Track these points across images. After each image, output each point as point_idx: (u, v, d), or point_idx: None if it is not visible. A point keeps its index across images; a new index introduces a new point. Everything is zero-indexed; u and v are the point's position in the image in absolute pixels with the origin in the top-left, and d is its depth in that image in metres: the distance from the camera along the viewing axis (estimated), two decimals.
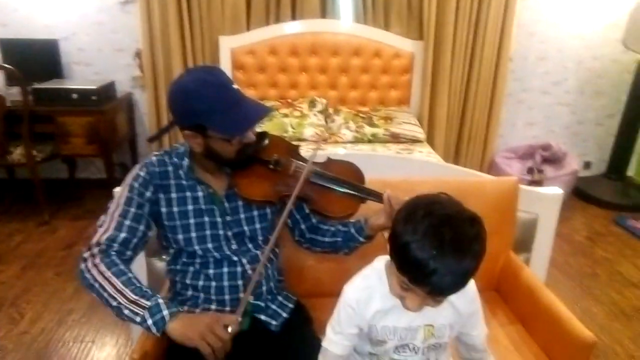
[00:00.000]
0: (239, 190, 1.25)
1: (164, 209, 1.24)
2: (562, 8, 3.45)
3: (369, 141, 3.07)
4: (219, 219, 1.27)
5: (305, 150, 1.47)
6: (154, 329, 1.07)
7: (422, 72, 3.35)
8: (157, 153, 1.30)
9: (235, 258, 1.27)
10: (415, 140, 3.11)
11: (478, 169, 3.63)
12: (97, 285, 1.12)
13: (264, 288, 1.30)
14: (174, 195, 1.25)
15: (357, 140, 3.07)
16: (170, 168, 1.26)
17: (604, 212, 3.42)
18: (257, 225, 1.31)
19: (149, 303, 1.08)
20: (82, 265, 1.15)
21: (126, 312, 1.08)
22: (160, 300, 1.10)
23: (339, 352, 1.01)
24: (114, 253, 1.17)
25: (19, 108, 2.82)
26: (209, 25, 3.17)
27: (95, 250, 1.16)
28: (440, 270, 0.81)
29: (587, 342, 1.20)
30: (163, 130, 1.35)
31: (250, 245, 1.30)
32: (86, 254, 1.17)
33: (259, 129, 1.27)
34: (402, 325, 0.98)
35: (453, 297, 0.98)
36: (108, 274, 1.12)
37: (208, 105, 1.12)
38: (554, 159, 3.43)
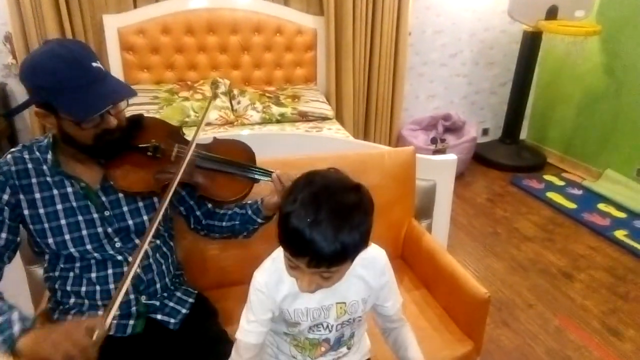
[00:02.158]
0: (114, 182, 1.12)
1: (26, 212, 1.09)
2: None
3: (277, 121, 3.01)
4: (95, 215, 1.13)
5: (191, 133, 1.35)
6: (3, 348, 0.93)
7: (326, 48, 3.32)
8: (13, 150, 1.13)
9: (120, 257, 1.15)
10: (324, 118, 3.10)
11: (387, 142, 3.72)
12: None
13: (158, 285, 1.20)
14: (37, 195, 1.09)
15: (264, 121, 2.99)
16: (30, 165, 1.10)
17: (502, 175, 3.67)
18: (145, 217, 1.19)
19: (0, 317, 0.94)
20: None
21: None
22: (14, 316, 0.96)
23: (253, 341, 0.96)
24: None
25: None
26: (90, 2, 2.86)
27: None
28: (317, 238, 0.78)
29: (482, 298, 1.24)
30: (21, 106, 1.15)
31: (137, 241, 1.18)
32: None
33: (130, 112, 1.15)
34: (314, 306, 0.95)
35: (362, 271, 0.97)
36: None
37: (55, 82, 0.99)
38: (454, 128, 3.60)
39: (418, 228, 1.61)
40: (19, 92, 3.07)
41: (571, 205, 3.16)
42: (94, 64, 1.03)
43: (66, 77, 0.99)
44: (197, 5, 3.04)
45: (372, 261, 0.99)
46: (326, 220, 0.78)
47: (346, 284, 0.93)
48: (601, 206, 3.14)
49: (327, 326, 0.97)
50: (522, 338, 2.01)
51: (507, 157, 3.80)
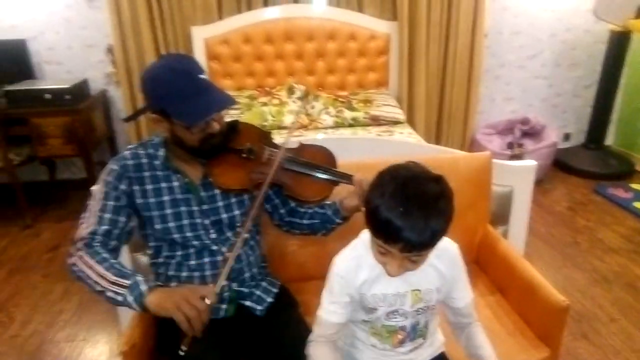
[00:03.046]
0: (213, 180, 1.25)
1: (139, 201, 1.25)
2: None
3: (350, 125, 3.09)
4: (195, 208, 1.27)
5: (281, 138, 1.47)
6: (134, 305, 1.09)
7: (399, 53, 3.35)
8: (130, 147, 1.30)
9: (214, 247, 1.28)
10: (395, 122, 3.13)
11: (460, 147, 3.67)
12: (83, 275, 1.15)
13: (247, 275, 1.32)
14: (149, 186, 1.25)
15: (337, 125, 3.07)
16: (144, 160, 1.26)
17: (585, 182, 3.48)
18: (236, 212, 1.32)
19: (128, 282, 1.11)
20: (69, 260, 1.19)
21: (109, 294, 1.11)
22: (139, 278, 1.12)
23: (335, 320, 1.04)
24: (97, 244, 1.19)
25: None
26: (181, 16, 3.12)
27: (80, 244, 1.18)
28: (407, 226, 0.85)
29: (561, 306, 1.23)
30: (138, 112, 1.33)
31: (229, 234, 1.31)
32: (72, 250, 1.20)
33: (230, 118, 1.27)
34: (391, 292, 1.01)
35: (436, 261, 1.02)
36: (91, 262, 1.14)
37: (169, 91, 1.14)
38: (533, 133, 3.48)
39: (493, 234, 1.60)
40: (117, 98, 3.41)
41: None
42: (201, 76, 1.17)
43: (179, 87, 1.14)
44: (275, 15, 3.20)
45: (445, 252, 1.04)
46: (416, 209, 0.85)
47: (421, 272, 0.99)
48: None
49: (403, 313, 1.03)
50: (604, 353, 1.92)
51: (591, 163, 3.60)
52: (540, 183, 3.42)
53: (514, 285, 1.44)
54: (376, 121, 3.10)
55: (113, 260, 1.17)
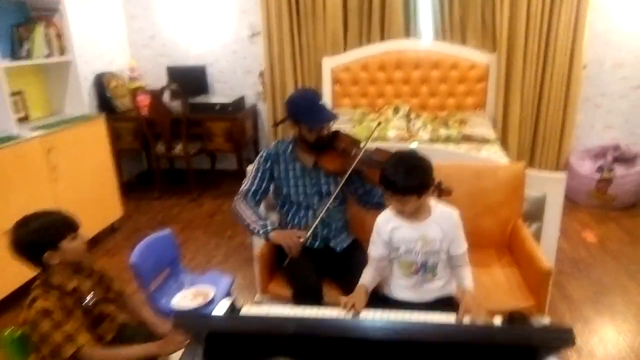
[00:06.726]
0: (321, 165, 2.02)
1: (276, 174, 2.07)
2: (636, 17, 3.65)
3: (444, 141, 3.62)
4: (307, 182, 2.05)
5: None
6: (263, 236, 1.92)
7: (496, 81, 3.80)
8: (274, 142, 2.14)
9: (314, 207, 2.05)
10: (485, 141, 3.58)
11: (553, 168, 3.96)
12: (238, 214, 2.01)
13: (333, 226, 2.05)
14: (282, 166, 2.07)
15: (432, 141, 3.62)
16: (280, 151, 2.08)
17: None
18: (331, 187, 2.06)
19: (262, 222, 1.94)
20: (233, 204, 2.05)
21: (251, 227, 1.95)
22: (268, 222, 1.95)
23: (377, 255, 1.68)
24: (248, 198, 2.04)
25: (179, 116, 3.94)
26: (314, 49, 4.02)
27: (240, 196, 2.05)
28: (395, 178, 1.49)
29: (546, 270, 1.72)
30: (281, 121, 2.20)
31: (324, 200, 2.06)
32: (235, 198, 2.06)
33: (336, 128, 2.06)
34: (408, 237, 1.63)
35: (440, 221, 1.61)
36: (244, 208, 2.00)
37: (301, 109, 1.96)
38: (624, 159, 3.63)
39: (521, 226, 2.08)
40: (263, 111, 4.44)
41: None
42: (320, 102, 1.97)
43: (306, 108, 1.95)
44: (390, 48, 3.91)
45: (449, 215, 1.62)
46: (401, 169, 1.49)
47: (428, 227, 1.59)
48: None
49: (416, 252, 1.62)
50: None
51: None
52: (631, 208, 3.58)
53: (523, 259, 1.93)
54: (468, 139, 3.59)
55: (255, 209, 2.01)
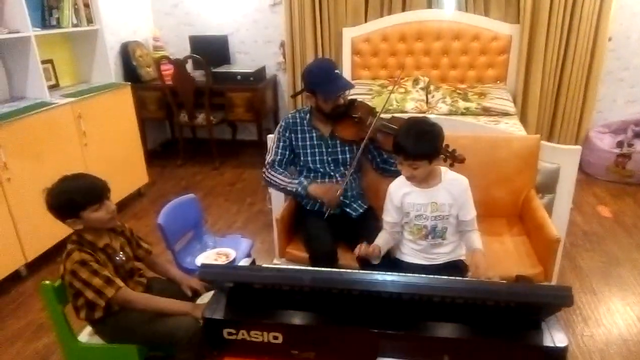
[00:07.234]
0: (337, 133, 2.09)
1: (294, 143, 2.15)
2: None
3: (462, 114, 3.63)
4: (324, 150, 2.13)
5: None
6: (302, 192, 2.04)
7: (518, 53, 3.76)
8: (292, 111, 2.21)
9: (332, 174, 2.13)
10: (505, 114, 3.57)
11: (573, 142, 3.94)
12: (271, 181, 2.12)
13: (349, 194, 2.13)
14: (300, 135, 2.14)
15: (451, 113, 3.64)
16: (298, 120, 2.16)
17: None
18: (347, 155, 2.13)
19: (297, 181, 2.06)
20: (263, 175, 2.16)
21: (288, 188, 2.08)
22: (302, 179, 2.06)
23: (390, 220, 1.77)
24: (276, 166, 2.14)
25: (202, 86, 4.02)
26: (335, 20, 4.02)
27: (267, 167, 2.15)
28: (405, 143, 1.57)
29: (554, 238, 1.78)
30: (299, 92, 2.25)
31: (341, 168, 2.14)
32: (264, 169, 2.17)
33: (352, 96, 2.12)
34: (418, 202, 1.70)
35: (449, 187, 1.68)
36: (275, 175, 2.12)
37: (317, 79, 2.01)
38: None
39: (533, 196, 2.12)
40: (283, 81, 4.49)
41: None
42: (336, 71, 2.01)
43: (322, 78, 2.00)
44: (411, 18, 3.89)
45: (459, 181, 1.69)
46: (412, 134, 1.56)
47: (438, 193, 1.66)
48: None
49: (426, 217, 1.70)
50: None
51: None
52: None
53: (533, 227, 1.99)
54: (487, 112, 3.60)
55: (286, 173, 2.12)
